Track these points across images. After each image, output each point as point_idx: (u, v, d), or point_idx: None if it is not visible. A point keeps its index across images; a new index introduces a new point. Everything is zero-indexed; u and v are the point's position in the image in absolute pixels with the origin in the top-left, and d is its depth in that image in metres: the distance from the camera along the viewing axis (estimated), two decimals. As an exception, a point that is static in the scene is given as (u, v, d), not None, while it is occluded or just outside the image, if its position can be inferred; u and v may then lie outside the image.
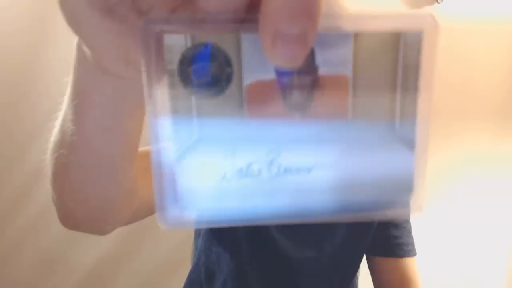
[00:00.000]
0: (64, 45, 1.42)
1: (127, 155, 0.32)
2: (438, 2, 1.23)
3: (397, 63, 0.17)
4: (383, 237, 0.74)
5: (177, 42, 0.16)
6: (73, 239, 1.47)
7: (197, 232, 0.80)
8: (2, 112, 1.45)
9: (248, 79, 0.16)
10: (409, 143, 0.18)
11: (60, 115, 0.30)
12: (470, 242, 1.33)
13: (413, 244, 0.76)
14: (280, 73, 0.16)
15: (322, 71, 0.17)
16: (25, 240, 1.49)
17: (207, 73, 0.16)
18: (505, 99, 1.28)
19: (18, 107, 1.43)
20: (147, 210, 0.49)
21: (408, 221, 0.77)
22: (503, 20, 1.24)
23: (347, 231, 0.72)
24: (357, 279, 0.81)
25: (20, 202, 1.48)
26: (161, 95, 0.16)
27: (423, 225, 1.33)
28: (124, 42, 0.20)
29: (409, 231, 0.77)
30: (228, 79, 0.16)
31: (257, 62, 0.16)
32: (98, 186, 0.34)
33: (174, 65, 0.16)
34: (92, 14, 0.19)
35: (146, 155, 0.49)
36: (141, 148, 0.48)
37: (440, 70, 1.16)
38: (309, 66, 0.16)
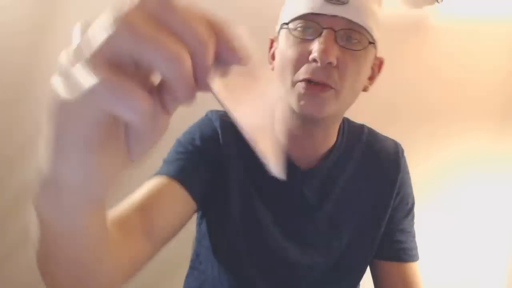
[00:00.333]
0: (64, 45, 1.42)
1: (101, 248, 0.33)
2: (438, 2, 1.23)
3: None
4: (388, 242, 0.74)
5: None
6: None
7: (198, 239, 0.79)
8: (2, 112, 1.45)
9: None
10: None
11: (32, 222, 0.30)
12: (469, 242, 1.33)
13: (416, 249, 0.76)
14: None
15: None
16: (25, 240, 1.49)
17: None
18: (505, 99, 1.28)
19: (18, 107, 1.43)
20: (140, 263, 0.52)
21: (412, 226, 0.77)
22: (503, 20, 1.24)
23: (355, 235, 0.72)
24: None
25: (20, 202, 1.48)
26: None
27: (423, 225, 1.33)
28: (111, 170, 0.24)
29: (414, 236, 0.77)
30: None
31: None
32: (80, 276, 0.35)
33: None
34: (90, 152, 0.22)
35: (123, 217, 0.50)
36: (116, 213, 0.49)
37: (440, 70, 1.17)
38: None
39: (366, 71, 0.65)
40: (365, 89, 0.68)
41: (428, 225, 1.32)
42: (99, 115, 0.21)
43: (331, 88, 0.59)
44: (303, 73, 0.59)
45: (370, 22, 0.59)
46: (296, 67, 0.60)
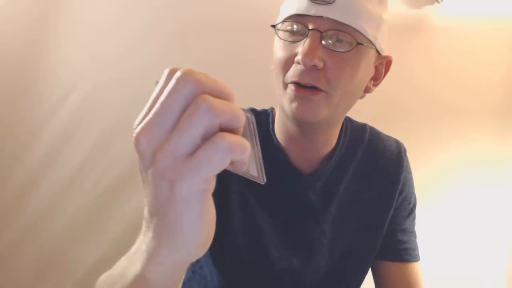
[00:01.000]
0: (65, 43, 1.42)
1: None
2: (438, 2, 1.24)
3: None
4: (390, 242, 0.73)
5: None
6: (73, 238, 1.47)
7: None
8: (3, 109, 1.45)
9: None
10: None
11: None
12: (469, 242, 1.33)
13: (418, 249, 0.76)
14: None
15: None
16: (25, 239, 1.50)
17: None
18: (505, 99, 1.28)
19: (18, 105, 1.44)
20: None
21: (414, 226, 0.77)
22: (503, 20, 1.25)
23: (357, 236, 0.71)
24: None
25: (21, 200, 1.48)
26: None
27: (423, 225, 1.32)
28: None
29: (415, 236, 0.77)
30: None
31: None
32: None
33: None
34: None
35: None
36: None
37: (440, 70, 1.17)
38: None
39: (364, 73, 0.61)
40: (367, 91, 0.66)
41: (429, 225, 1.33)
42: (224, 166, 0.26)
43: (322, 91, 0.58)
44: (291, 75, 0.58)
45: (362, 21, 0.56)
46: (285, 69, 0.59)
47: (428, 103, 1.29)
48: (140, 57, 1.35)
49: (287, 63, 0.59)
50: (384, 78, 0.69)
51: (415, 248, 0.75)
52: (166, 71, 0.28)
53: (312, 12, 0.55)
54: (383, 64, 0.66)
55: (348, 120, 0.76)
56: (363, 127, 0.77)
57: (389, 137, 0.78)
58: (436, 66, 1.27)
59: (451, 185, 1.32)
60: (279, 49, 0.60)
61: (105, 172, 1.43)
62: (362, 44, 0.57)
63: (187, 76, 0.26)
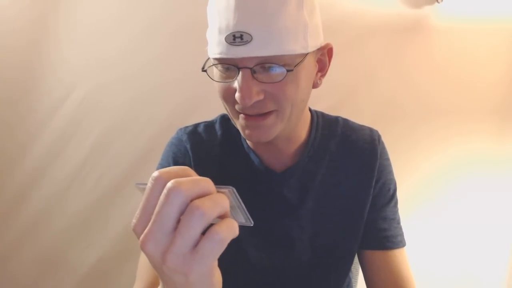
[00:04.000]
0: (65, 43, 1.42)
1: None
2: (438, 2, 1.24)
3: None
4: (372, 231, 0.73)
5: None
6: (74, 238, 1.47)
7: None
8: (3, 110, 1.45)
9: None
10: None
11: None
12: (469, 242, 1.33)
13: (402, 235, 0.75)
14: None
15: None
16: (25, 239, 1.50)
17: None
18: (505, 99, 1.28)
19: (18, 105, 1.44)
20: None
21: (396, 212, 0.76)
22: (503, 20, 1.25)
23: (338, 228, 0.72)
24: (351, 275, 0.80)
25: (21, 200, 1.48)
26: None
27: (423, 225, 1.33)
28: None
29: (398, 222, 0.76)
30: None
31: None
32: None
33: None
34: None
35: None
36: None
37: (440, 70, 1.17)
38: None
39: (307, 78, 0.61)
40: (316, 86, 0.65)
41: (429, 225, 1.33)
42: (223, 249, 0.32)
43: (272, 111, 0.59)
44: (238, 108, 0.59)
45: (286, 44, 0.54)
46: (231, 101, 0.59)
47: (427, 103, 1.29)
48: (140, 57, 1.35)
49: (230, 98, 0.59)
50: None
51: (397, 235, 0.74)
52: (153, 176, 0.32)
53: (235, 54, 0.54)
54: (325, 54, 0.65)
55: (320, 115, 0.76)
56: (335, 120, 0.77)
57: (362, 127, 0.77)
58: (436, 66, 1.27)
59: (450, 184, 1.32)
60: (218, 83, 0.60)
61: (105, 172, 1.43)
62: (292, 70, 0.55)
63: (177, 188, 0.30)
